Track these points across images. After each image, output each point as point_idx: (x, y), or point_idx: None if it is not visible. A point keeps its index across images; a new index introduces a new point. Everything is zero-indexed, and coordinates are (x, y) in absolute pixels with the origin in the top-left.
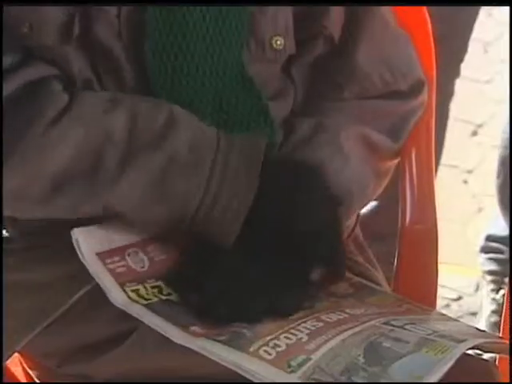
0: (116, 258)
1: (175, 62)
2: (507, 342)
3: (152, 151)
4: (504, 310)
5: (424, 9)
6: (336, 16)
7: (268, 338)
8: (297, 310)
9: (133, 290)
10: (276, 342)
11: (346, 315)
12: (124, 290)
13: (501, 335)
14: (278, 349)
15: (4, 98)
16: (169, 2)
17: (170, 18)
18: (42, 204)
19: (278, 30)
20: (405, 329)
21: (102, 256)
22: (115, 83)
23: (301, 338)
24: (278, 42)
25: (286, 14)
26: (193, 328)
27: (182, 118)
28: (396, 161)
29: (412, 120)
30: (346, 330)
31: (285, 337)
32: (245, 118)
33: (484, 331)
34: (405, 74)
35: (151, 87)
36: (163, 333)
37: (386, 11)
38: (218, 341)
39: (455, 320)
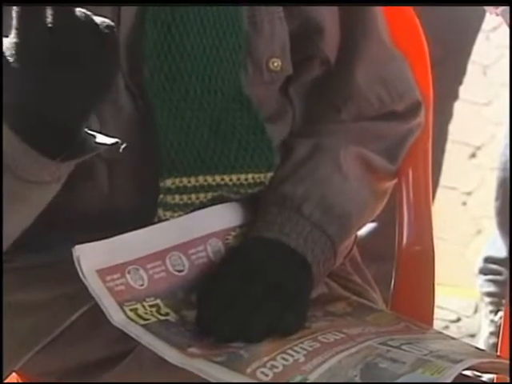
0: (116, 276)
1: (173, 83)
2: (506, 361)
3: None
4: (502, 329)
5: (421, 31)
6: (331, 37)
7: (265, 358)
8: (298, 328)
9: (131, 309)
10: (273, 362)
11: (343, 335)
12: (123, 310)
13: (499, 354)
14: (275, 370)
15: None
16: (168, 2)
17: (168, 41)
18: None
19: (274, 51)
20: (401, 349)
21: (103, 273)
22: (112, 110)
23: (298, 359)
24: (275, 64)
25: (282, 35)
26: (190, 350)
27: None
28: (393, 182)
29: (409, 140)
30: (342, 351)
31: (282, 357)
32: (243, 140)
33: (482, 350)
34: (401, 94)
35: (149, 110)
36: (161, 354)
37: (383, 31)
38: (216, 362)
39: (452, 338)
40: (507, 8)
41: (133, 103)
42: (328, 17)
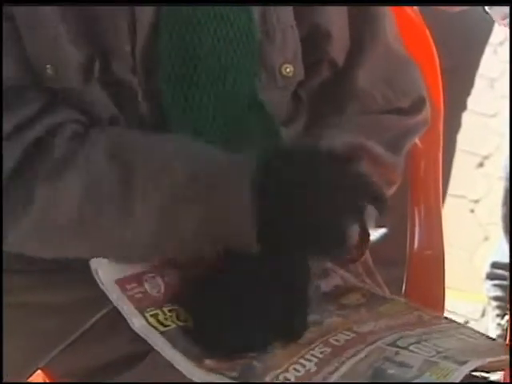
0: (134, 285)
1: (188, 91)
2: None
3: (153, 189)
4: (510, 323)
5: (431, 43)
6: (339, 42)
7: (278, 371)
8: (302, 331)
9: (152, 315)
10: (285, 374)
11: (354, 335)
12: (144, 316)
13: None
14: (287, 382)
15: (23, 148)
16: (173, 2)
17: (182, 50)
18: (53, 248)
19: (287, 57)
20: (409, 350)
21: (121, 283)
22: (135, 118)
23: (309, 369)
24: (288, 70)
25: (294, 41)
26: (206, 362)
27: (183, 152)
28: (397, 175)
29: (412, 136)
30: (352, 356)
31: (294, 368)
32: (257, 145)
33: (493, 339)
34: (406, 92)
35: (165, 117)
36: (177, 366)
37: (390, 34)
38: (231, 377)
39: (463, 327)
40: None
41: (150, 113)
42: (336, 22)
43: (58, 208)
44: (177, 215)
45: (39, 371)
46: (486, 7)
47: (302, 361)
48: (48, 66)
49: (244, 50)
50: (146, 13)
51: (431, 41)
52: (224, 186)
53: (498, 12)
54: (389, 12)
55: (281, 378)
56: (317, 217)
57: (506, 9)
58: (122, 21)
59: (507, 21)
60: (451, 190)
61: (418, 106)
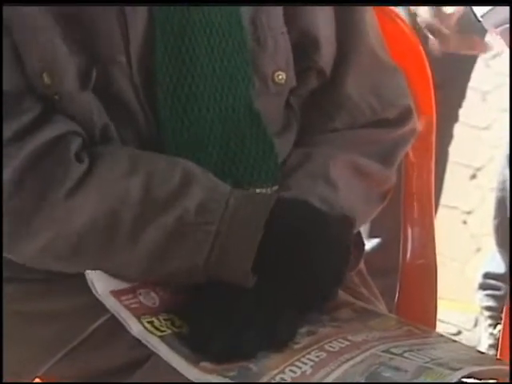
0: (129, 296)
1: (185, 101)
2: (505, 366)
3: (164, 212)
4: (501, 334)
5: (424, 55)
6: (327, 50)
7: (274, 372)
8: (292, 336)
9: (148, 322)
10: (282, 375)
11: (348, 343)
12: (140, 322)
13: (498, 357)
14: (284, 382)
15: (22, 157)
16: (169, 2)
17: (179, 62)
18: (61, 262)
19: (279, 64)
20: (404, 357)
21: (116, 294)
22: (130, 130)
23: (305, 371)
24: (280, 77)
25: (285, 48)
26: (203, 363)
27: (195, 177)
28: (391, 186)
29: (402, 147)
30: (348, 360)
31: (290, 370)
32: (251, 156)
33: (482, 353)
34: (392, 102)
35: (162, 128)
36: (176, 367)
37: (375, 43)
38: (228, 377)
39: (454, 341)
40: (507, 28)
41: (147, 125)
42: (324, 30)
43: (69, 221)
44: (179, 244)
45: (37, 379)
46: (479, 15)
47: (297, 363)
48: (44, 73)
49: (238, 58)
50: (138, 24)
51: (423, 54)
52: (233, 226)
53: (490, 20)
54: (374, 21)
55: (277, 379)
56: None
57: (499, 17)
58: (115, 31)
59: (499, 29)
60: (444, 201)
61: (405, 116)
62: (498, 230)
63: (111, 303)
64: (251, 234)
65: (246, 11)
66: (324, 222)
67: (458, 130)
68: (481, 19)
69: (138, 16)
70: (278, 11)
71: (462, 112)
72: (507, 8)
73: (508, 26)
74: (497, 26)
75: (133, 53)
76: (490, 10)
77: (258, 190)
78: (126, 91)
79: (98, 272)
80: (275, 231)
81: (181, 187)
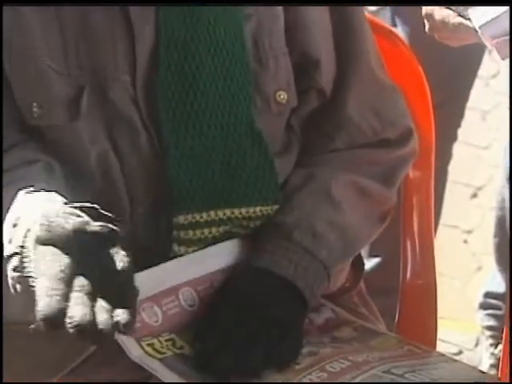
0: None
1: (188, 119)
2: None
3: None
4: (502, 350)
5: (423, 75)
6: (327, 70)
7: None
8: (294, 358)
9: (148, 344)
10: None
11: (349, 363)
12: (140, 345)
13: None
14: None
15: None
16: (171, 2)
17: (182, 81)
18: None
19: (280, 84)
20: (405, 377)
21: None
22: (132, 148)
23: None
24: (281, 96)
25: (286, 69)
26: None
27: None
28: (392, 206)
29: (403, 167)
30: (349, 381)
31: None
32: (252, 174)
33: (483, 372)
34: (393, 122)
35: (164, 146)
36: None
37: (375, 64)
38: None
39: (454, 361)
40: (507, 40)
41: (149, 142)
42: (324, 51)
43: None
44: None
45: None
46: (477, 26)
47: (299, 382)
48: (34, 103)
49: (240, 78)
50: (145, 42)
51: (422, 73)
52: None
53: (489, 31)
54: (373, 40)
55: None
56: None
57: (499, 28)
58: (122, 52)
59: (495, 41)
60: (445, 220)
61: (405, 137)
62: (498, 248)
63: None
64: None
65: (248, 32)
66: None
67: (457, 149)
68: (478, 30)
69: (145, 35)
70: (279, 32)
71: (461, 131)
72: (507, 19)
73: (506, 38)
74: (494, 38)
75: (138, 71)
76: (490, 21)
77: (258, 209)
78: (128, 109)
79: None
80: None
81: None
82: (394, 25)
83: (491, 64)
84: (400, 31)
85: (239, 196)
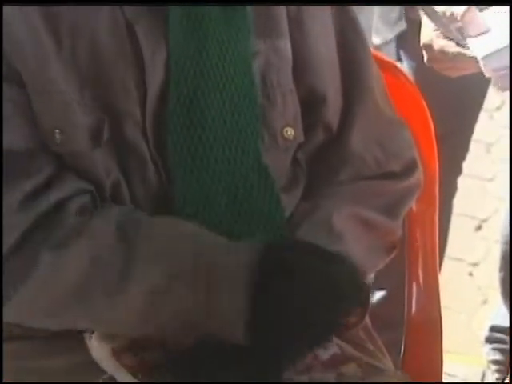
0: (130, 353)
1: (195, 153)
2: None
3: (152, 266)
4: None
5: (426, 108)
6: (333, 106)
7: None
8: None
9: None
10: None
11: None
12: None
13: None
14: None
15: (28, 223)
16: (178, 2)
17: (191, 114)
18: (49, 318)
19: (287, 120)
20: None
21: (117, 352)
22: (141, 181)
23: None
24: (289, 132)
25: (293, 105)
26: None
27: (188, 232)
28: (397, 237)
29: (407, 199)
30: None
31: None
32: (258, 209)
33: None
34: (397, 154)
35: (171, 179)
36: None
37: (380, 97)
38: None
39: None
40: (506, 74)
41: (157, 174)
42: (331, 86)
43: (60, 276)
44: (167, 299)
45: None
46: (479, 57)
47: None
48: (57, 130)
49: (248, 113)
50: (155, 75)
51: (426, 106)
52: (222, 281)
53: (492, 63)
54: (378, 74)
55: None
56: (306, 316)
57: (500, 61)
58: (132, 83)
59: (498, 74)
60: (450, 252)
61: (410, 169)
62: (503, 283)
63: (110, 364)
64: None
65: (257, 68)
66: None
67: (462, 181)
68: (481, 61)
69: (156, 69)
70: (287, 69)
71: (466, 164)
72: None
73: (507, 71)
74: (496, 70)
75: (148, 104)
76: (494, 53)
77: None
78: (137, 141)
79: (96, 333)
80: (270, 271)
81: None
82: (399, 59)
83: (495, 96)
84: (405, 65)
85: (245, 230)
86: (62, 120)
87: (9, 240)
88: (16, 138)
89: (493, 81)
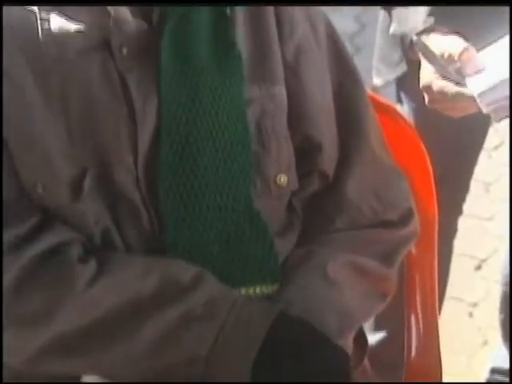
0: None
1: (188, 200)
2: None
3: (170, 306)
4: None
5: (424, 150)
6: (329, 154)
7: None
8: None
9: None
10: None
11: None
12: None
13: None
14: None
15: (21, 265)
16: (171, 2)
17: (183, 161)
18: (63, 360)
19: (281, 167)
20: None
21: None
22: (133, 227)
23: None
24: (282, 179)
25: (288, 152)
26: None
27: (206, 277)
28: (393, 285)
29: (403, 247)
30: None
31: None
32: (251, 255)
33: None
34: (393, 204)
35: (163, 226)
36: None
37: (377, 145)
38: None
39: None
40: (503, 105)
41: (149, 222)
42: (327, 134)
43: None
44: (178, 340)
45: None
46: (475, 93)
47: None
48: (39, 184)
49: (241, 160)
50: (147, 123)
51: (425, 150)
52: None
53: (488, 99)
54: (375, 120)
55: None
56: None
57: (496, 96)
58: (124, 132)
59: (493, 107)
60: (449, 292)
61: (406, 218)
62: (503, 324)
63: None
64: (255, 332)
65: (251, 116)
66: (322, 348)
67: (461, 221)
68: (477, 97)
69: (148, 117)
70: (282, 116)
71: (465, 203)
72: (506, 87)
73: (504, 103)
74: (489, 104)
75: (140, 152)
76: (489, 89)
77: (258, 289)
78: (129, 189)
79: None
80: (275, 342)
81: (191, 285)
82: (399, 100)
83: (494, 136)
84: (405, 107)
85: (238, 277)
86: (43, 174)
87: (5, 284)
88: (5, 187)
89: (491, 115)
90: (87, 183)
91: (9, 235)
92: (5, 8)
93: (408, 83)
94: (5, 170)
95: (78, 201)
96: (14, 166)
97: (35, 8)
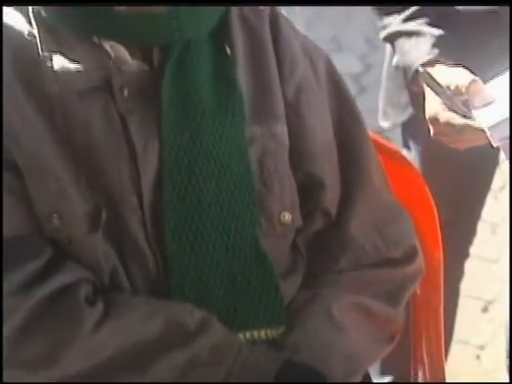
0: None
1: (193, 241)
2: None
3: (176, 352)
4: None
5: (428, 193)
6: (332, 191)
7: None
8: None
9: None
10: None
11: None
12: None
13: None
14: None
15: (30, 307)
16: (172, 2)
17: (187, 202)
18: None
19: (285, 205)
20: None
21: None
22: (139, 268)
23: None
24: (286, 217)
25: (291, 190)
26: None
27: (212, 322)
28: (400, 325)
29: (409, 286)
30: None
31: None
32: (256, 296)
33: None
34: (397, 241)
35: (169, 267)
36: None
37: (379, 182)
38: None
39: None
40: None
41: (155, 263)
42: (329, 172)
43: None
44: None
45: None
46: (486, 127)
47: None
48: (55, 215)
49: (245, 200)
50: (149, 166)
51: (429, 194)
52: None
53: (498, 133)
54: (378, 160)
55: None
56: None
57: (505, 131)
58: (126, 174)
59: (507, 142)
60: (456, 335)
61: (410, 255)
62: (511, 370)
63: None
64: (262, 379)
65: (253, 155)
66: None
67: (467, 262)
68: (488, 132)
69: (149, 160)
70: (284, 155)
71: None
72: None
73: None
74: (503, 140)
75: (145, 194)
76: (501, 122)
77: (263, 332)
78: (135, 229)
79: None
80: None
81: (197, 330)
82: (405, 143)
83: (499, 176)
84: (412, 150)
85: (244, 320)
86: (59, 205)
87: (12, 326)
88: (14, 224)
89: (502, 150)
90: (103, 218)
91: (21, 273)
92: (7, 29)
93: (413, 125)
94: (15, 204)
95: (97, 231)
96: (29, 197)
97: (39, 44)
